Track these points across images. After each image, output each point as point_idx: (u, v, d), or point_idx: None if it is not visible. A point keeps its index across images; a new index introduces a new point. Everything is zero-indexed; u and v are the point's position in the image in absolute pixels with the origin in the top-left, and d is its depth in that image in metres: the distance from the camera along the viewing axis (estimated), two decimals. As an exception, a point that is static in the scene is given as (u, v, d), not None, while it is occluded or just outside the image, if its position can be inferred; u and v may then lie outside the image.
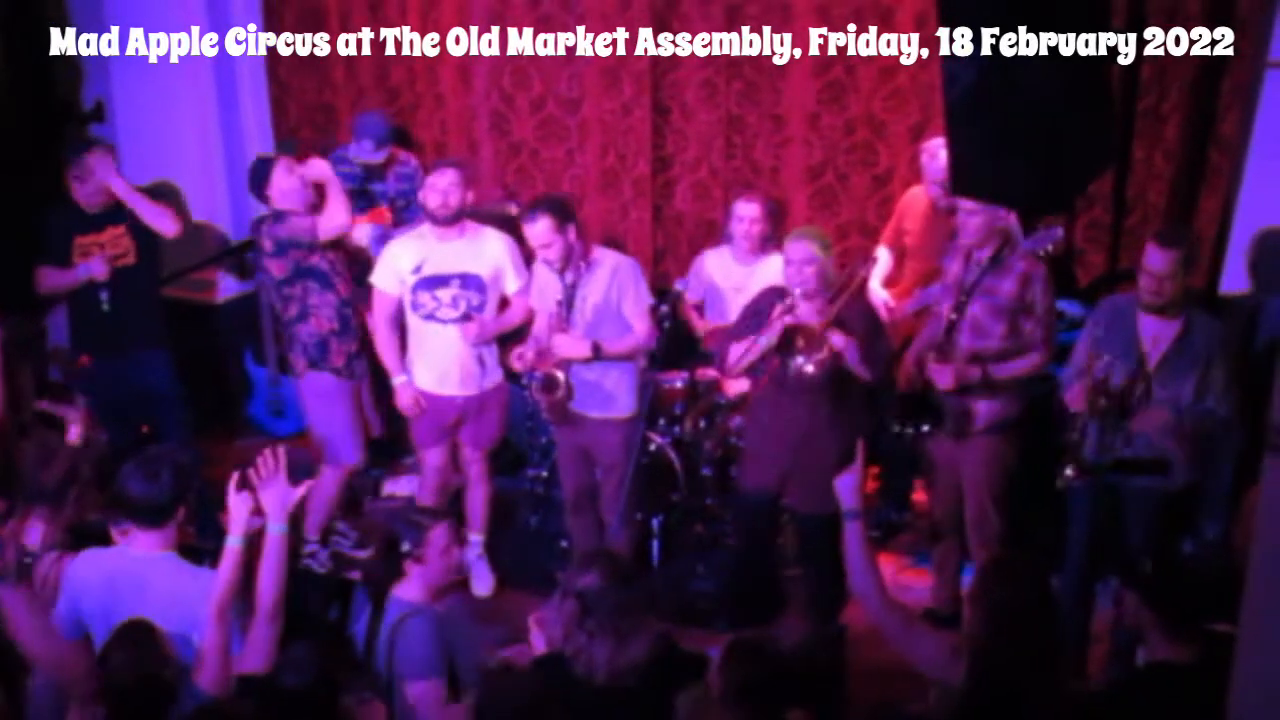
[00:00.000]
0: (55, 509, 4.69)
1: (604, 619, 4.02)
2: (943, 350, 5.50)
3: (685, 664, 4.31)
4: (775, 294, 5.53)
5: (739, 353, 5.41)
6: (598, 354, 5.75)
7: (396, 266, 6.01)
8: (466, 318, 5.96)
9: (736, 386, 6.22)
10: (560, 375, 5.80)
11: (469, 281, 5.95)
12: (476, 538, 6.42)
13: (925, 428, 5.71)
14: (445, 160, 6.16)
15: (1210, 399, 5.12)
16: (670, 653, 4.33)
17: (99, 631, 4.37)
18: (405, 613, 4.42)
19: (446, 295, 5.96)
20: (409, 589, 4.52)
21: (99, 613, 4.36)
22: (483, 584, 6.41)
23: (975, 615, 4.12)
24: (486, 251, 6.00)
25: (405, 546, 4.49)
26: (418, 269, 5.95)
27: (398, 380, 6.14)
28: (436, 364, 6.08)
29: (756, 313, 5.53)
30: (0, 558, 4.68)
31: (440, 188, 5.87)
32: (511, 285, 6.05)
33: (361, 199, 7.16)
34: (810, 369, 5.22)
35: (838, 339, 5.22)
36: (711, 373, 6.35)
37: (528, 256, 6.09)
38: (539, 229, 5.64)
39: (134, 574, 4.36)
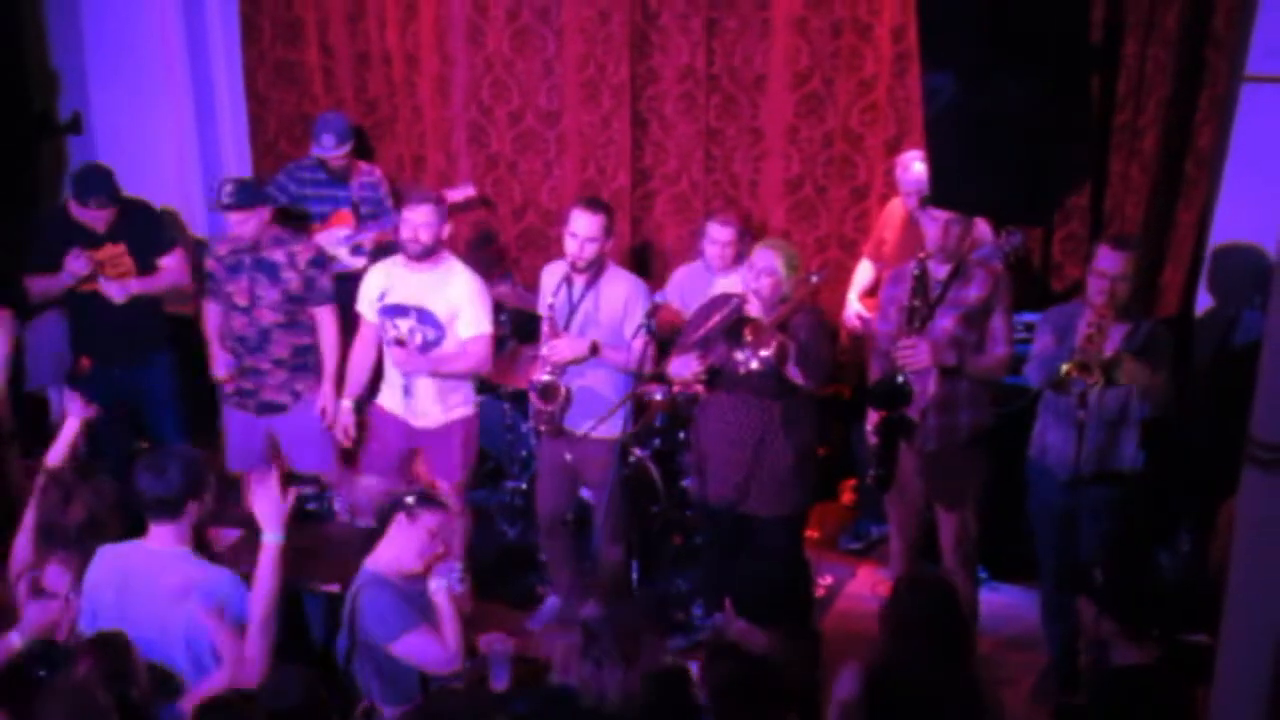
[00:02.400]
0: (75, 554, 4.63)
1: (610, 646, 3.99)
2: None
3: (666, 678, 4.31)
4: (725, 301, 5.57)
5: (682, 360, 5.49)
6: (595, 352, 5.74)
7: (369, 294, 6.04)
8: (424, 350, 5.93)
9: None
10: (560, 382, 5.79)
11: (425, 316, 5.90)
12: (455, 564, 6.39)
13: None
14: (422, 195, 6.04)
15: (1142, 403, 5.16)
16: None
17: (110, 625, 4.38)
18: (364, 581, 4.42)
19: (405, 326, 5.94)
20: (378, 558, 4.50)
21: (112, 606, 4.42)
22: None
23: (880, 630, 4.17)
24: (448, 290, 5.90)
25: (408, 500, 4.48)
26: (382, 296, 5.96)
27: (343, 402, 6.20)
28: (396, 388, 6.07)
29: (706, 317, 5.55)
30: (15, 600, 4.71)
31: (413, 223, 5.81)
32: (465, 330, 5.91)
33: (325, 204, 7.22)
34: (754, 364, 5.21)
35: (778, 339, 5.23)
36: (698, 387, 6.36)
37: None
38: (594, 223, 5.65)
39: (148, 568, 4.43)
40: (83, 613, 4.46)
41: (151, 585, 4.37)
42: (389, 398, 6.12)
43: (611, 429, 5.86)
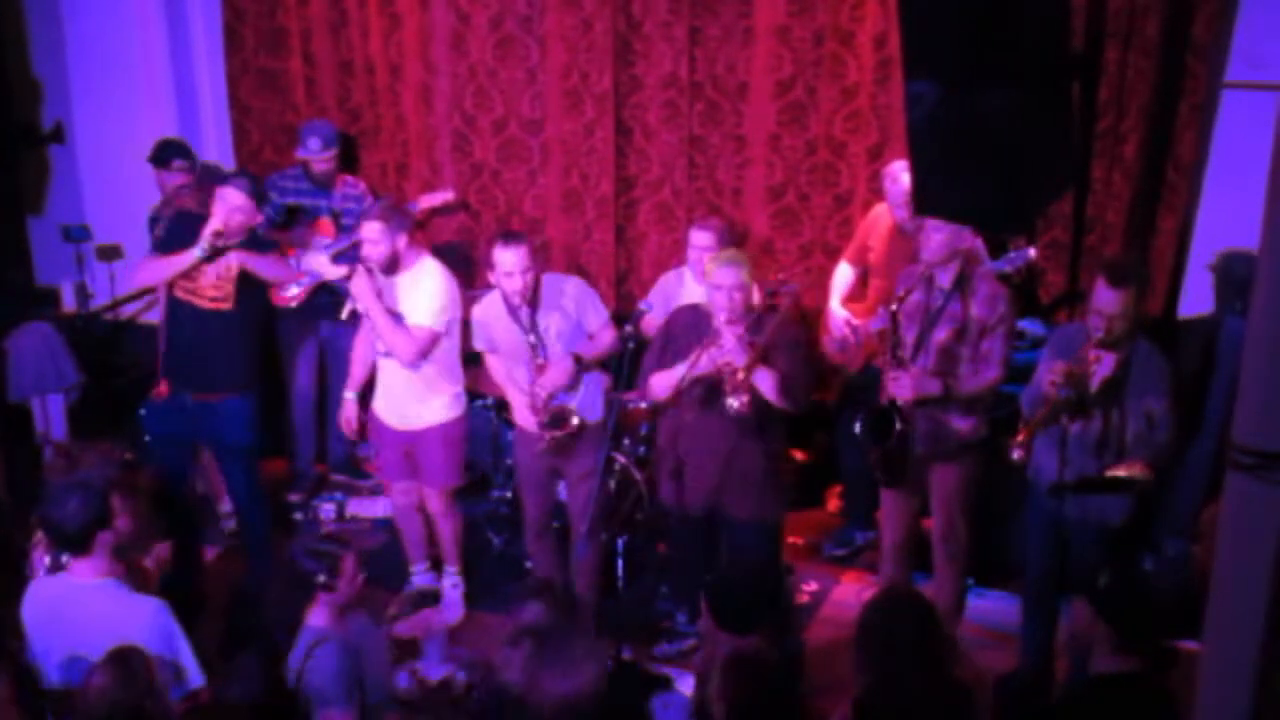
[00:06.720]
0: None
1: (550, 650, 3.99)
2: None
3: (649, 685, 4.31)
4: (690, 312, 5.58)
5: (663, 384, 5.46)
6: (580, 363, 5.75)
7: None
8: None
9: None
10: (572, 408, 5.78)
11: (401, 320, 5.91)
12: (450, 568, 6.43)
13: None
14: (373, 209, 6.03)
15: (1154, 429, 5.13)
16: (634, 674, 4.33)
17: (50, 664, 4.33)
18: (313, 641, 4.41)
19: None
20: (318, 616, 4.51)
21: (48, 643, 4.33)
22: (452, 613, 6.36)
23: (858, 655, 4.15)
24: (417, 288, 5.94)
25: (320, 578, 4.47)
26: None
27: (346, 395, 6.25)
28: (385, 394, 6.11)
29: (670, 337, 5.56)
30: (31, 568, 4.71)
31: (364, 239, 5.87)
32: (412, 317, 5.89)
33: (307, 214, 7.23)
34: (736, 405, 5.25)
35: (762, 377, 5.26)
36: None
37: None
38: (522, 254, 5.63)
39: (75, 603, 4.30)
40: (29, 649, 4.39)
41: (82, 623, 4.23)
42: (381, 405, 6.13)
43: (592, 415, 5.90)
